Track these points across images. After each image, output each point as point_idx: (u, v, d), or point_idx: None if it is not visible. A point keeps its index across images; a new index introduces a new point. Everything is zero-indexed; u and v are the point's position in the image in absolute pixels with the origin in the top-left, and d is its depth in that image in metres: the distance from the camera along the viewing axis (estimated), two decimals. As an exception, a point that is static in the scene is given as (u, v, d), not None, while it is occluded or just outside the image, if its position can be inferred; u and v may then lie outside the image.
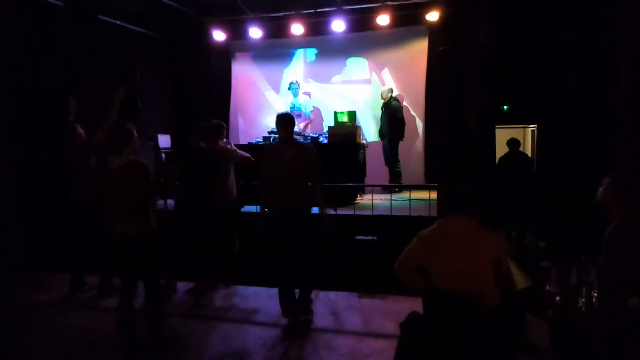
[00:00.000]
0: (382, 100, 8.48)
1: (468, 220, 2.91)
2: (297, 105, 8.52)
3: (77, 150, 5.09)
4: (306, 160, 4.42)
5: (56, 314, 4.87)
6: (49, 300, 5.24)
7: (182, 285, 5.57)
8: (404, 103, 8.51)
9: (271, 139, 7.75)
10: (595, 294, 2.82)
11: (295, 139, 4.71)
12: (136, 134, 3.87)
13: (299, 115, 8.49)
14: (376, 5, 8.82)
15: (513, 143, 7.49)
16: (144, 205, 3.73)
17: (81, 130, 5.17)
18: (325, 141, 7.66)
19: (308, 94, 9.19)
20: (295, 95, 8.57)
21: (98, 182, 3.84)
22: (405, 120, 8.35)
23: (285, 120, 4.50)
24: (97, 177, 4.92)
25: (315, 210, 4.53)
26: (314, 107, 9.01)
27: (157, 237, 3.82)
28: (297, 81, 8.68)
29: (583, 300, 2.84)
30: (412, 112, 9.19)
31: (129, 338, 3.82)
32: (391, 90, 8.37)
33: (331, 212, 6.39)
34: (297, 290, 4.56)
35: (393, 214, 6.24)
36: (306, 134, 8.08)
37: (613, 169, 3.11)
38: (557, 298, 2.91)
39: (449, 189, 3.07)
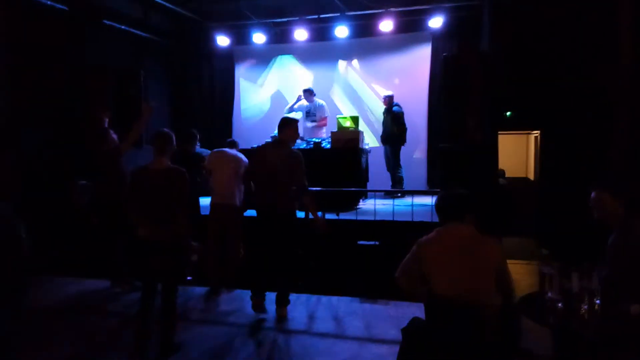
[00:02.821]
0: (384, 106, 8.49)
1: (465, 226, 2.90)
2: (312, 109, 8.49)
3: (108, 154, 5.37)
4: (290, 164, 4.54)
5: (68, 317, 4.91)
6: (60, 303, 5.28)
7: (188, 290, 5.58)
8: (407, 109, 8.50)
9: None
10: (598, 302, 2.81)
11: (287, 143, 4.76)
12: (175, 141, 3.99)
13: (314, 121, 8.48)
14: (379, 11, 8.85)
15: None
16: (176, 212, 3.74)
17: (114, 136, 5.51)
18: (328, 146, 7.66)
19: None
20: (310, 100, 8.51)
21: (130, 183, 3.86)
22: (408, 126, 8.35)
23: (284, 123, 4.74)
24: (126, 178, 5.14)
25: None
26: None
27: (184, 245, 3.83)
28: (311, 87, 8.66)
29: (586, 307, 2.82)
30: (415, 118, 9.18)
31: (143, 341, 3.80)
32: (392, 96, 8.37)
33: (333, 216, 6.42)
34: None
35: (395, 219, 6.23)
36: (311, 139, 8.08)
37: (603, 177, 3.11)
38: (559, 305, 2.89)
39: (442, 193, 3.07)
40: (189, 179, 3.81)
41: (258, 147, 4.91)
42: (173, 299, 3.91)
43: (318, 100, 8.62)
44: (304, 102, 8.56)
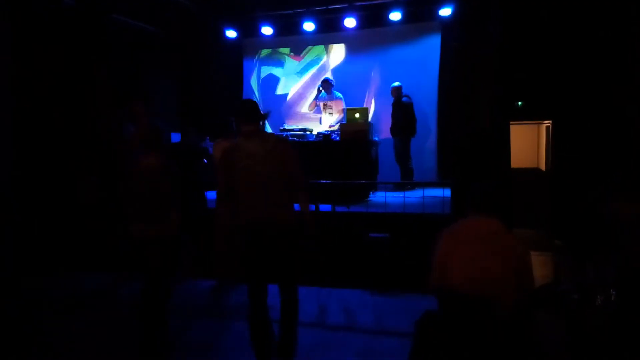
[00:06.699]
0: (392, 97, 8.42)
1: (495, 222, 2.83)
2: (330, 101, 8.41)
3: (124, 149, 5.47)
4: (282, 157, 3.34)
5: (68, 313, 4.92)
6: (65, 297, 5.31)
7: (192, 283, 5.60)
8: (416, 99, 8.42)
9: (284, 136, 7.72)
10: (613, 292, 2.77)
11: (265, 131, 3.70)
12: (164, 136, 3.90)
13: (331, 115, 8.42)
14: (388, 1, 8.77)
15: None
16: (167, 208, 3.71)
17: (128, 131, 5.62)
18: (338, 138, 7.62)
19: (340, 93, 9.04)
20: (329, 92, 8.40)
21: (124, 181, 3.81)
22: (417, 117, 8.28)
23: (249, 109, 3.39)
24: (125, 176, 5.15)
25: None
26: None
27: (176, 242, 3.78)
28: (330, 78, 8.55)
29: (601, 298, 2.78)
30: (425, 109, 9.11)
31: (148, 340, 3.77)
32: (400, 87, 8.29)
33: (344, 209, 6.39)
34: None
35: (406, 211, 6.20)
36: (327, 131, 8.05)
37: (616, 176, 3.02)
38: (574, 296, 2.85)
39: (479, 185, 2.96)
40: (177, 174, 3.73)
41: (228, 144, 3.51)
42: (160, 295, 3.80)
43: (336, 92, 8.56)
44: (322, 93, 8.48)
